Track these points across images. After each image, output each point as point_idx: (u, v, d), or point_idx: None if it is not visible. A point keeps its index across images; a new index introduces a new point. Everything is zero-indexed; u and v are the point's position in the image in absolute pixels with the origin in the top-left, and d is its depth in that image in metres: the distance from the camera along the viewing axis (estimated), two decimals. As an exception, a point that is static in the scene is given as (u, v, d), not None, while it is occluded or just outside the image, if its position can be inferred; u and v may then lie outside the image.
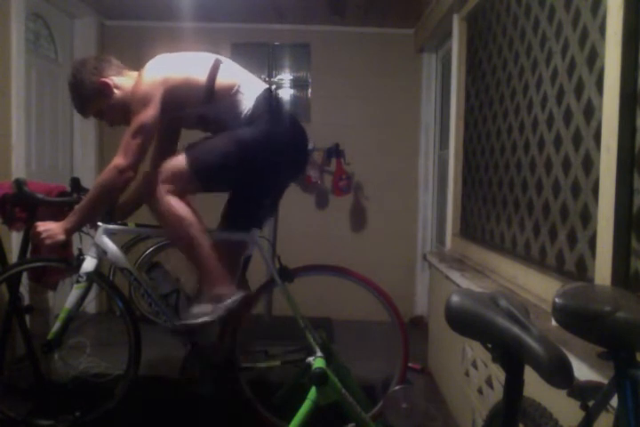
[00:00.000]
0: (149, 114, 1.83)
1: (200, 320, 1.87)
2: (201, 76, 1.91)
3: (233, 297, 1.89)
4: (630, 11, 1.32)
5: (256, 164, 1.92)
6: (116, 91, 1.96)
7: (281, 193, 2.19)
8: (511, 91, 2.16)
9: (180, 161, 1.90)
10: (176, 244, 1.99)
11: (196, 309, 1.91)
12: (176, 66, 1.94)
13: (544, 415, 1.08)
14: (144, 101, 1.83)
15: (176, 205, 1.87)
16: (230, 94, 1.93)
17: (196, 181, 1.91)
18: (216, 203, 2.12)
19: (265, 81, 4.06)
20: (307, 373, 1.71)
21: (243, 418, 2.14)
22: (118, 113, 1.94)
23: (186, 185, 1.91)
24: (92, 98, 1.97)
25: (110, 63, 2.00)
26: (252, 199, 2.04)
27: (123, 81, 1.96)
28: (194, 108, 1.97)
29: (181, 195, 1.92)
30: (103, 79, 1.95)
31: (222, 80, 1.93)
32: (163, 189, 1.87)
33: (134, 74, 1.99)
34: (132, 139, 1.82)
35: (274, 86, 4.13)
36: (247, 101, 1.93)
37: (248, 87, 1.95)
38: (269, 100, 1.96)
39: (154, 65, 1.92)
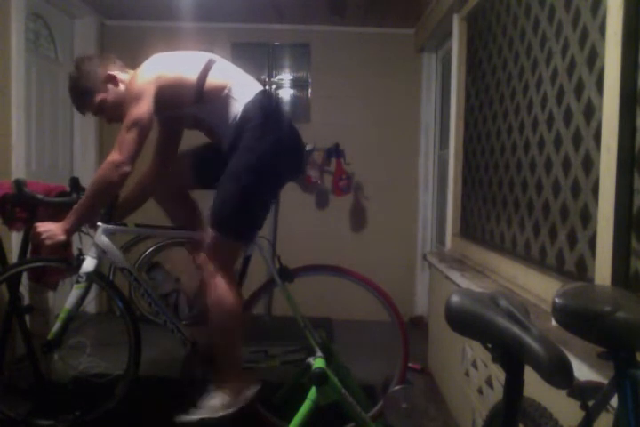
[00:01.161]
0: (142, 109, 1.82)
1: (220, 415, 1.82)
2: (192, 76, 1.90)
3: (252, 389, 1.89)
4: (630, 11, 1.32)
5: (263, 180, 1.92)
6: (120, 85, 1.97)
7: (276, 195, 2.18)
8: (511, 91, 2.16)
9: (210, 233, 1.88)
10: (213, 330, 1.94)
11: (215, 401, 1.85)
12: (169, 64, 1.94)
13: (544, 415, 1.08)
14: (137, 97, 1.83)
15: (227, 293, 1.86)
16: (221, 96, 1.91)
17: (236, 241, 1.92)
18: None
19: (265, 81, 4.07)
20: (307, 373, 1.71)
21: (243, 418, 2.14)
22: (117, 109, 1.94)
23: (232, 250, 1.94)
24: (94, 91, 1.96)
25: (114, 61, 2.02)
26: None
27: (125, 77, 1.97)
28: (186, 107, 1.96)
29: (233, 262, 1.94)
30: (110, 72, 1.96)
31: (213, 80, 1.91)
32: (212, 269, 1.86)
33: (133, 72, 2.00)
34: (126, 134, 1.82)
35: (273, 87, 4.13)
36: (238, 106, 1.90)
37: (241, 90, 1.92)
38: (261, 105, 1.91)
39: (148, 64, 1.93)
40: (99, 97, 1.97)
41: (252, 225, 1.96)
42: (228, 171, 1.88)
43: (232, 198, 1.87)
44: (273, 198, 2.10)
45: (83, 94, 1.98)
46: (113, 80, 1.96)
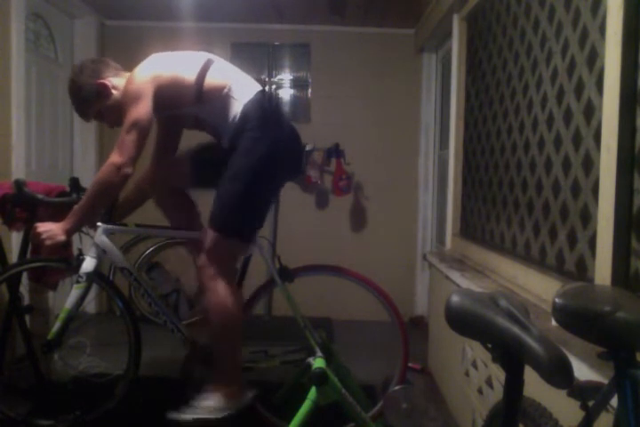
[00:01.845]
0: (141, 110, 1.82)
1: (213, 417, 1.81)
2: (190, 76, 1.90)
3: (247, 396, 1.89)
4: (630, 11, 1.32)
5: (262, 181, 1.93)
6: (114, 91, 1.96)
7: (276, 194, 2.19)
8: (511, 91, 2.16)
9: (210, 235, 1.88)
10: (212, 332, 1.94)
11: (209, 402, 1.85)
12: (166, 64, 1.94)
13: (544, 415, 1.08)
14: (135, 98, 1.83)
15: (227, 295, 1.86)
16: (221, 96, 1.91)
17: (236, 241, 1.92)
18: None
19: (265, 81, 4.07)
20: (307, 373, 1.71)
21: (243, 418, 2.14)
22: (117, 113, 1.94)
23: (232, 251, 1.93)
24: (91, 101, 1.97)
25: (107, 65, 2.00)
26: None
27: (120, 82, 1.97)
28: (186, 107, 1.96)
29: (233, 263, 1.94)
30: (101, 81, 1.95)
31: (212, 80, 1.91)
32: (211, 271, 1.86)
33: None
34: (126, 135, 1.82)
35: (273, 87, 4.13)
36: (237, 106, 1.90)
37: (240, 90, 1.92)
38: (260, 105, 1.91)
39: (145, 64, 1.93)
40: (96, 105, 1.98)
41: (252, 225, 1.96)
42: (228, 171, 1.88)
43: (232, 199, 1.87)
44: (273, 198, 2.11)
45: (81, 104, 2.00)
46: (105, 89, 1.96)
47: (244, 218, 1.90)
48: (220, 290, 1.86)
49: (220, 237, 1.87)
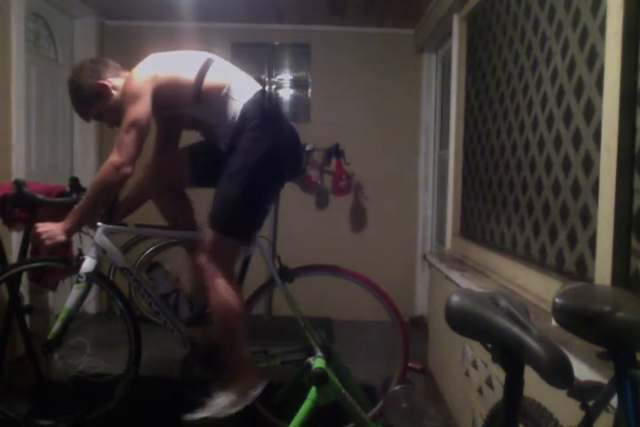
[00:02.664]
0: (140, 110, 1.82)
1: (225, 413, 1.82)
2: (190, 75, 1.90)
3: (258, 388, 1.88)
4: (630, 11, 1.32)
5: (262, 181, 1.93)
6: (114, 92, 1.96)
7: (276, 194, 2.18)
8: (511, 91, 2.16)
9: (210, 234, 1.88)
10: (216, 331, 1.95)
11: (221, 400, 1.85)
12: (165, 64, 1.93)
13: (544, 415, 1.08)
14: (134, 98, 1.83)
15: (229, 293, 1.87)
16: (220, 96, 1.91)
17: (236, 241, 1.92)
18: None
19: (265, 81, 4.07)
20: (307, 373, 1.71)
21: (243, 418, 2.14)
22: (116, 113, 1.94)
23: (233, 249, 1.93)
24: (91, 101, 1.98)
25: (107, 65, 2.00)
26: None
27: (120, 82, 1.97)
28: (185, 107, 1.96)
29: (233, 262, 1.94)
30: (101, 81, 1.95)
31: (211, 80, 1.91)
32: (212, 270, 1.86)
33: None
34: (125, 135, 1.82)
35: (273, 87, 4.13)
36: (236, 106, 1.90)
37: (240, 90, 1.92)
38: (260, 105, 1.91)
39: (144, 64, 1.93)
40: (96, 106, 1.99)
41: (252, 225, 1.96)
42: (228, 171, 1.88)
43: (231, 199, 1.87)
44: (272, 198, 2.11)
45: (81, 104, 2.00)
46: (105, 89, 1.96)
47: (243, 218, 1.90)
48: (221, 288, 1.86)
49: (220, 237, 1.87)
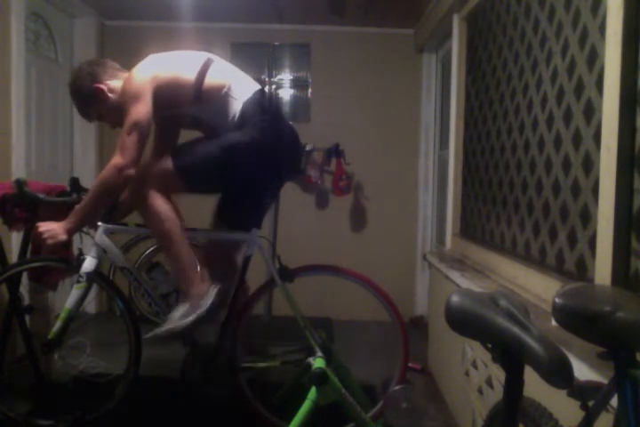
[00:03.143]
0: (141, 111, 1.83)
1: (183, 323, 1.87)
2: (190, 75, 1.91)
3: (209, 295, 1.91)
4: (630, 11, 1.32)
5: (242, 168, 1.94)
6: (110, 95, 1.97)
7: (275, 193, 2.19)
8: (511, 91, 2.16)
9: (166, 162, 1.93)
10: (157, 242, 2.01)
11: (176, 312, 1.91)
12: (165, 64, 1.94)
13: (544, 415, 1.08)
14: (134, 99, 1.84)
15: (157, 202, 1.90)
16: (220, 95, 1.92)
17: (179, 182, 1.93)
18: (207, 202, 2.11)
19: (265, 81, 4.07)
20: (307, 373, 1.71)
21: (243, 418, 2.14)
22: (117, 115, 1.94)
23: (170, 185, 1.94)
24: (91, 103, 1.99)
25: (105, 67, 2.01)
26: (241, 200, 2.03)
27: (117, 84, 1.97)
28: (185, 107, 1.96)
29: (166, 194, 1.95)
30: (97, 84, 1.96)
31: (211, 80, 1.92)
32: (147, 186, 1.90)
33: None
34: (127, 136, 1.82)
35: (273, 86, 4.13)
36: (236, 105, 1.91)
37: (239, 90, 1.93)
38: (259, 104, 1.93)
39: (144, 64, 1.93)
40: (95, 108, 2.00)
41: (202, 180, 1.98)
42: (219, 137, 1.92)
43: (201, 152, 1.94)
44: (272, 198, 2.11)
45: (82, 106, 2.02)
46: (102, 93, 1.97)
47: (200, 169, 1.93)
48: (151, 203, 1.89)
49: (171, 171, 1.90)
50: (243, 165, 1.93)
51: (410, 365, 2.55)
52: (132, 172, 1.84)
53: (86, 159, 3.83)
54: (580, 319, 0.89)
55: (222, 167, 1.93)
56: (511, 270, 2.02)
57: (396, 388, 1.73)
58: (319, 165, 3.86)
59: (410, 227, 4.07)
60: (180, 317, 1.88)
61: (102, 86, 1.96)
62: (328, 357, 1.98)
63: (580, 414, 0.97)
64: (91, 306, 3.71)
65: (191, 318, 1.87)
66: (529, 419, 1.09)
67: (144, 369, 2.19)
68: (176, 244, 1.92)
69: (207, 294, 1.92)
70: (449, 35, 3.20)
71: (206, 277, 1.98)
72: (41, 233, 1.88)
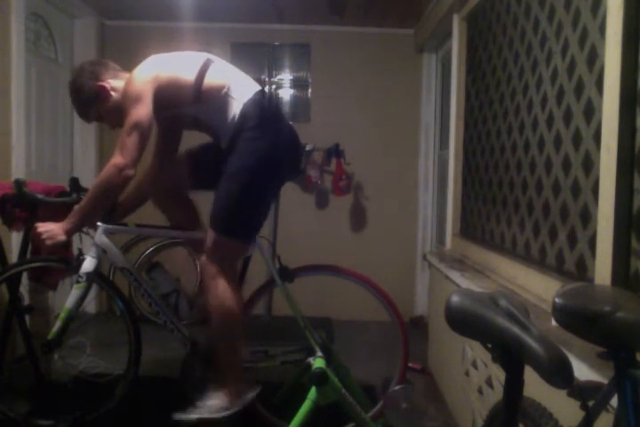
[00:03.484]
0: (142, 111, 1.82)
1: (218, 416, 1.83)
2: (189, 76, 1.90)
3: (250, 394, 1.90)
4: (630, 11, 1.32)
5: (270, 189, 1.96)
6: (113, 94, 1.97)
7: (275, 193, 2.18)
8: (511, 91, 2.16)
9: (210, 236, 1.88)
10: (213, 332, 1.95)
11: (212, 403, 1.86)
12: (166, 65, 1.94)
13: (544, 415, 1.09)
14: (135, 100, 1.83)
15: (228, 295, 1.87)
16: (220, 96, 1.91)
17: (237, 243, 1.92)
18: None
19: (265, 81, 4.07)
20: (307, 373, 1.71)
21: (243, 418, 2.14)
22: (117, 115, 1.94)
23: (232, 251, 1.93)
24: (91, 103, 1.98)
25: (107, 67, 2.01)
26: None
27: (119, 84, 1.97)
28: (185, 107, 1.96)
29: (234, 263, 1.94)
30: (100, 83, 1.96)
31: (211, 80, 1.91)
32: (216, 269, 1.86)
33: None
34: (127, 137, 1.82)
35: (273, 87, 4.13)
36: (236, 106, 1.90)
37: (239, 90, 1.92)
38: (259, 105, 1.92)
39: (144, 65, 1.93)
40: (96, 107, 1.99)
41: (252, 225, 1.96)
42: (228, 172, 1.88)
43: (231, 200, 1.87)
44: (272, 199, 2.11)
45: (81, 106, 2.01)
46: (104, 91, 1.96)
47: (243, 219, 1.90)
48: (220, 290, 1.86)
49: (221, 238, 1.87)
50: (270, 188, 1.96)
51: (410, 365, 2.55)
52: (132, 172, 1.83)
53: (86, 159, 3.83)
54: (579, 319, 0.89)
55: (259, 202, 1.92)
56: (511, 270, 2.02)
57: (396, 388, 1.73)
58: (319, 165, 3.87)
59: (410, 227, 4.07)
60: (217, 409, 1.84)
61: (105, 84, 1.96)
62: (328, 357, 1.98)
63: (579, 414, 0.97)
64: (91, 306, 3.71)
65: (227, 413, 1.83)
66: (529, 419, 1.09)
67: (144, 369, 2.19)
68: (233, 336, 1.90)
69: (247, 394, 1.89)
70: (449, 35, 3.20)
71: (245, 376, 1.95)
72: (40, 233, 1.88)
